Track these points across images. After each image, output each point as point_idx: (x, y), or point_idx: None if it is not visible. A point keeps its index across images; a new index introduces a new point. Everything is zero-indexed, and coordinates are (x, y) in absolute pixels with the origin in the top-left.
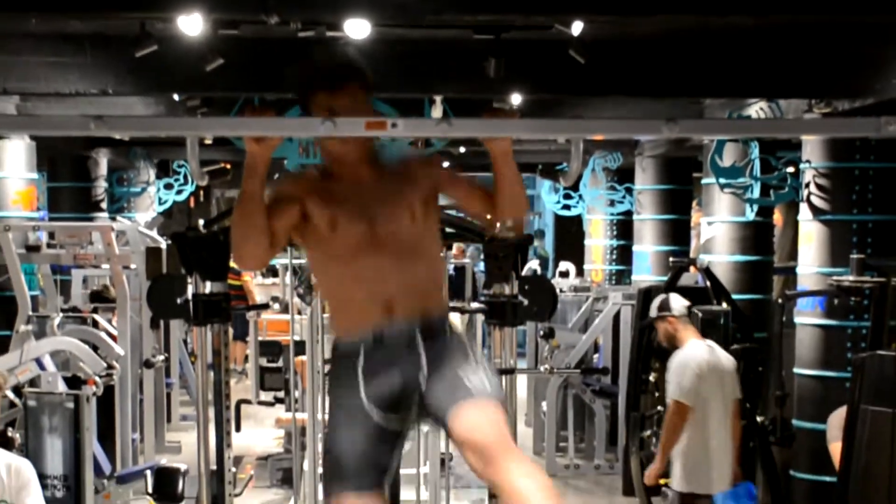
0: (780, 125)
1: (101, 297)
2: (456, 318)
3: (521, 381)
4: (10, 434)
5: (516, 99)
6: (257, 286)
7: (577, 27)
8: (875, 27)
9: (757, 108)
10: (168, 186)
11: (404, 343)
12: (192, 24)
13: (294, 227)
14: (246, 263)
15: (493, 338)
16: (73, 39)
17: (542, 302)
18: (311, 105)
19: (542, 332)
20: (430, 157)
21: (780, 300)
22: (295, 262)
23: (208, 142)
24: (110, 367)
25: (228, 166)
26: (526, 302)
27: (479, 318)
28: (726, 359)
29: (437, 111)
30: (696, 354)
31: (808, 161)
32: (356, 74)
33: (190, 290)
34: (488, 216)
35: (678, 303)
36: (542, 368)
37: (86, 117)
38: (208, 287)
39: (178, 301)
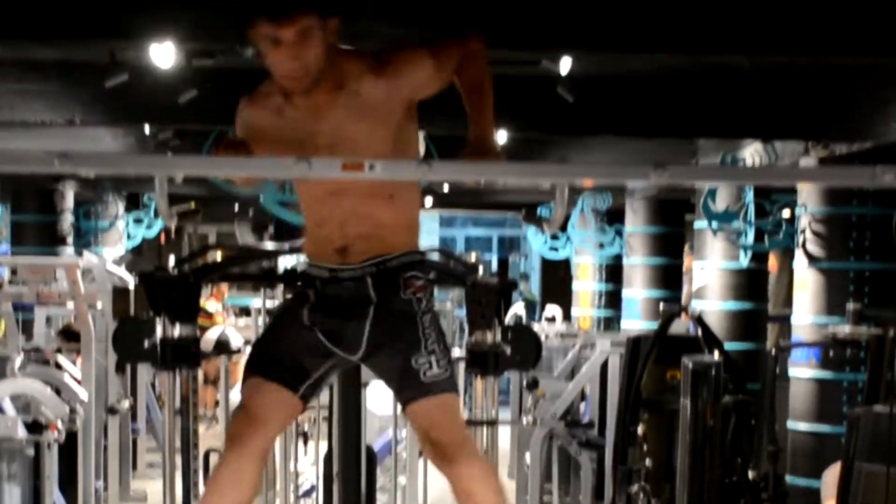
0: (773, 173)
1: (70, 334)
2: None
3: (504, 431)
4: None
5: (502, 137)
6: (230, 327)
7: (565, 64)
8: (873, 68)
9: (752, 150)
10: (137, 221)
11: (356, 288)
12: (164, 54)
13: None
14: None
15: (475, 387)
16: (39, 67)
17: (525, 351)
18: (256, 36)
19: (526, 382)
20: (397, 64)
21: (773, 350)
22: (269, 303)
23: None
24: (73, 411)
25: (198, 207)
26: (509, 351)
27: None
28: None
29: (419, 147)
30: None
31: (804, 206)
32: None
33: (158, 332)
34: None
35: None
36: (524, 420)
37: (50, 154)
38: (177, 330)
39: (146, 345)
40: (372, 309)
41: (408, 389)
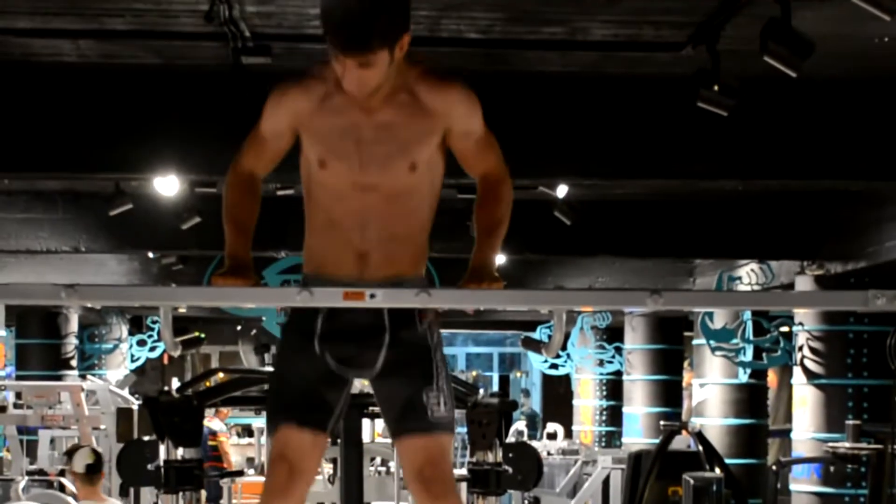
0: (768, 299)
1: None
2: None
3: None
4: None
5: (501, 259)
6: (233, 446)
7: (561, 189)
8: (864, 192)
9: (748, 270)
10: (141, 343)
11: (371, 317)
12: (167, 185)
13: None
14: None
15: None
16: (45, 196)
17: (527, 471)
18: (331, 53)
19: (527, 501)
20: (464, 92)
21: (774, 466)
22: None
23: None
24: None
25: (203, 335)
26: (510, 470)
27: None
28: None
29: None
30: None
31: (800, 324)
32: (381, 34)
33: (161, 455)
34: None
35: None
36: None
37: (56, 286)
38: (181, 453)
39: (150, 467)
40: (387, 336)
41: (411, 421)
